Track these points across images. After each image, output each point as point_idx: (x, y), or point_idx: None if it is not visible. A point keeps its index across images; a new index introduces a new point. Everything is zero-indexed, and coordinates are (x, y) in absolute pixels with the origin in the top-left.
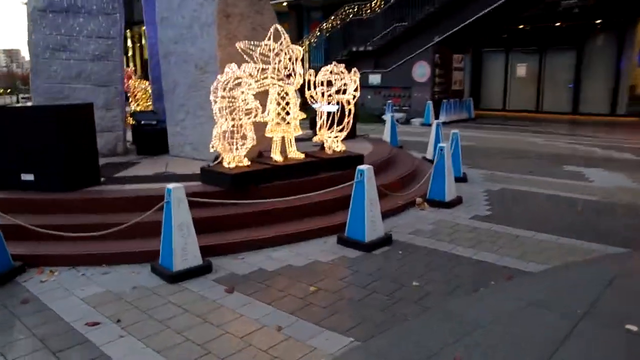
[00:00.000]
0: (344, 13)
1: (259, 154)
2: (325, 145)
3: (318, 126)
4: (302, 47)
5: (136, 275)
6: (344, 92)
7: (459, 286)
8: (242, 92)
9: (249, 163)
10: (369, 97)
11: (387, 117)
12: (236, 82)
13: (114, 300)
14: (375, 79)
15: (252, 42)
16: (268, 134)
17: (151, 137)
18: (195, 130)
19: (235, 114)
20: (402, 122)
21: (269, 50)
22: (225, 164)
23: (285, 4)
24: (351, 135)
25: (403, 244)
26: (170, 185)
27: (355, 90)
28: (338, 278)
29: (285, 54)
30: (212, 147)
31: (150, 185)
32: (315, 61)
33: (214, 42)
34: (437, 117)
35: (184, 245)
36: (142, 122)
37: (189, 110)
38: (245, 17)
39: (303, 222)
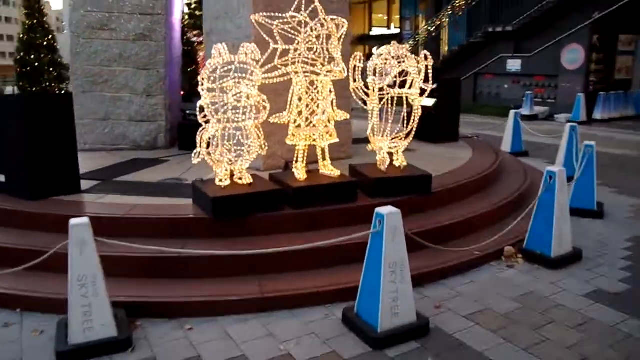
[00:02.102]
0: None
1: (285, 165)
2: (378, 157)
3: (370, 128)
4: (434, 27)
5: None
6: (403, 84)
7: None
8: (235, 83)
9: (251, 181)
10: (506, 86)
11: (524, 111)
12: (226, 69)
13: None
14: (514, 65)
15: (271, 14)
16: (289, 142)
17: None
18: None
19: (227, 114)
20: (544, 118)
21: (298, 24)
22: (217, 181)
23: None
24: (451, 137)
25: (446, 340)
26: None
27: (427, 81)
28: None
29: (312, 29)
30: (194, 155)
31: (134, 200)
32: (454, 43)
33: (249, 18)
34: (590, 114)
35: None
36: (187, 112)
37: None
38: None
39: (306, 278)
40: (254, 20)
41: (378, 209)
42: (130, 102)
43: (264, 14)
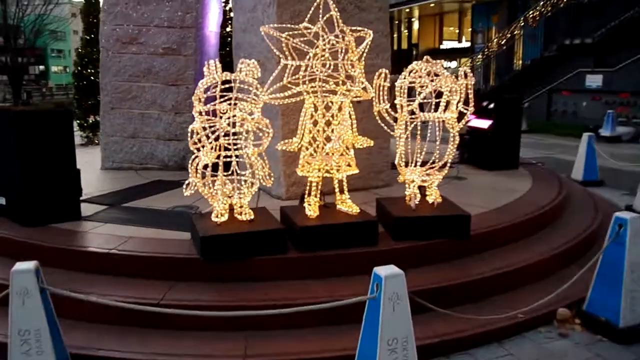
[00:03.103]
0: None
1: (303, 195)
2: (407, 190)
3: (397, 157)
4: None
5: None
6: (436, 105)
7: None
8: (230, 106)
9: (252, 217)
10: (584, 103)
11: (604, 132)
12: (218, 88)
13: None
14: (594, 80)
15: (282, 25)
16: (300, 172)
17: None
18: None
19: (219, 140)
20: (628, 140)
21: (315, 36)
22: (213, 216)
23: None
24: (510, 164)
25: None
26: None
27: (466, 103)
28: None
29: (326, 42)
30: (185, 187)
31: (132, 231)
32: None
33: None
34: None
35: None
36: None
37: None
38: None
39: (300, 338)
40: (263, 33)
41: (376, 269)
42: (158, 120)
43: (274, 25)
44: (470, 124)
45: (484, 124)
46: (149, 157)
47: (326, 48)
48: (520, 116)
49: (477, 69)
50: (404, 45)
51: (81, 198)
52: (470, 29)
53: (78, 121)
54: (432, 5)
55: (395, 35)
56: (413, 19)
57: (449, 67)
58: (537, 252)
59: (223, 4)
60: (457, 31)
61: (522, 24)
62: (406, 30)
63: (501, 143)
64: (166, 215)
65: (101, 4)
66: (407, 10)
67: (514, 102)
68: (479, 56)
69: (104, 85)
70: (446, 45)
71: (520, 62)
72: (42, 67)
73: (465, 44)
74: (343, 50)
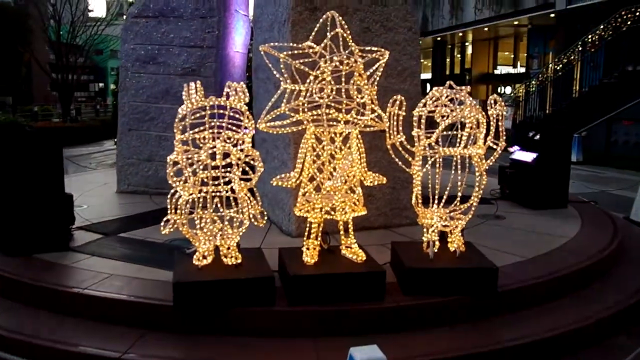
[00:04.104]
0: (618, 20)
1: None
2: (424, 235)
3: (414, 197)
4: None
5: None
6: (460, 138)
7: None
8: (210, 134)
9: (239, 261)
10: None
11: None
12: (197, 115)
13: None
14: None
15: (281, 44)
16: (297, 212)
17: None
18: (269, 177)
19: (198, 174)
20: None
21: (320, 57)
22: (194, 258)
23: (553, 15)
24: (557, 202)
25: None
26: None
27: (497, 136)
28: None
29: (328, 63)
30: (163, 225)
31: (116, 267)
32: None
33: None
34: None
35: None
36: None
37: (268, 148)
38: (352, 11)
39: None
40: (261, 51)
41: (352, 350)
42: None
43: (273, 44)
44: (513, 156)
45: (529, 157)
46: (164, 182)
47: (327, 71)
48: (570, 149)
49: (531, 95)
50: (457, 70)
51: (77, 225)
52: (525, 54)
53: (115, 140)
54: (486, 29)
55: (447, 60)
56: (466, 43)
57: (504, 93)
58: (583, 315)
59: (252, 24)
60: (512, 56)
61: (581, 48)
62: (459, 55)
63: (547, 178)
64: (159, 250)
65: (124, 21)
66: (460, 34)
67: (563, 132)
68: (534, 82)
69: (122, 106)
70: (500, 70)
71: (578, 88)
72: (101, 85)
73: (520, 69)
74: (348, 73)
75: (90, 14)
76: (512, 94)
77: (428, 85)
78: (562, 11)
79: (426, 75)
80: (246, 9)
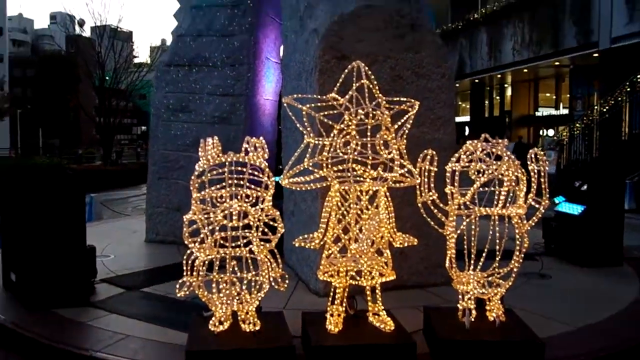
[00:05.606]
0: None
1: (349, 303)
2: (460, 302)
3: (447, 261)
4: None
5: None
6: (501, 196)
7: None
8: (227, 192)
9: (258, 328)
10: None
11: None
12: (215, 172)
13: None
14: None
15: (305, 96)
16: (320, 277)
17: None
18: (297, 232)
19: (215, 235)
20: None
21: (344, 108)
22: (210, 324)
23: (596, 55)
24: (610, 260)
25: None
26: None
27: (539, 194)
28: None
29: (353, 116)
30: (179, 287)
31: (131, 327)
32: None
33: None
34: None
35: None
36: None
37: (296, 200)
38: (382, 58)
39: None
40: (285, 104)
41: None
42: None
43: (296, 95)
44: (558, 208)
45: (576, 209)
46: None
47: (352, 124)
48: (623, 198)
49: (576, 138)
50: (496, 112)
51: (101, 278)
52: (568, 95)
53: None
54: (525, 70)
55: (486, 102)
56: (505, 85)
57: (547, 136)
58: None
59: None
60: (554, 97)
61: (629, 89)
62: (498, 97)
63: (598, 231)
64: (179, 308)
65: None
66: (499, 76)
67: (613, 181)
68: (578, 124)
69: (152, 154)
70: (542, 112)
71: (628, 130)
72: (144, 128)
73: (563, 110)
74: (374, 127)
75: (135, 60)
76: (555, 137)
77: (467, 128)
78: (605, 50)
79: (465, 118)
80: (277, 56)
